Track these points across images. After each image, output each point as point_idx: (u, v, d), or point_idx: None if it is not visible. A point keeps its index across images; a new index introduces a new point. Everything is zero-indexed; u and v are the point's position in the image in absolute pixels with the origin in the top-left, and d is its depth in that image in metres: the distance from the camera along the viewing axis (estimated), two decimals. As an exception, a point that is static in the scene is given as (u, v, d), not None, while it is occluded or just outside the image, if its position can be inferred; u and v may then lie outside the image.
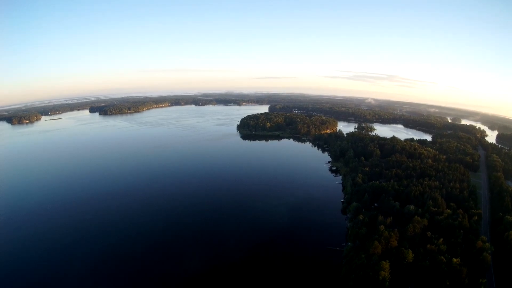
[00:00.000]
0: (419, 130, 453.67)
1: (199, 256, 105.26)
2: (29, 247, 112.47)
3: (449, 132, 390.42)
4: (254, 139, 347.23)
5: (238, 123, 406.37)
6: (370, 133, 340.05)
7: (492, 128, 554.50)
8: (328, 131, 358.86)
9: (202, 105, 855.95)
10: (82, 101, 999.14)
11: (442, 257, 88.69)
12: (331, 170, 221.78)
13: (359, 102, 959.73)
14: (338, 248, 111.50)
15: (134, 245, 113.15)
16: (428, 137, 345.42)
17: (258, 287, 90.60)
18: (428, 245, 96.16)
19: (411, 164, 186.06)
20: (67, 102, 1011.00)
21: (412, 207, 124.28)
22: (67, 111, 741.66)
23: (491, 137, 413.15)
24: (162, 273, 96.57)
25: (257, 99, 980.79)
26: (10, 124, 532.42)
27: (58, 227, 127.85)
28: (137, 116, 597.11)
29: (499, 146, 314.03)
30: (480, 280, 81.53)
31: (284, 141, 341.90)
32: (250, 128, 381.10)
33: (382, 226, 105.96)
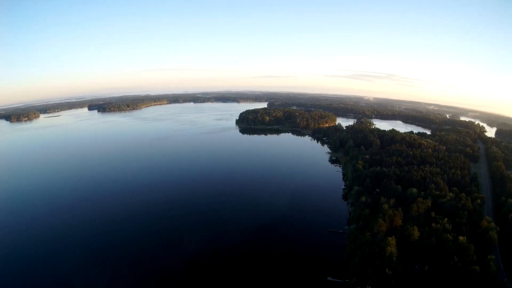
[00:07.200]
0: (418, 125, 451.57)
1: (202, 244, 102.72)
2: (26, 244, 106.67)
3: (448, 127, 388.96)
4: (253, 133, 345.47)
5: (237, 118, 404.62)
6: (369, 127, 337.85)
7: (490, 125, 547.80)
8: (327, 125, 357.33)
9: (200, 102, 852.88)
10: (81, 99, 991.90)
11: (448, 235, 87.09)
12: (331, 161, 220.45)
13: (358, 100, 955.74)
14: (341, 231, 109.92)
15: (135, 234, 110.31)
16: (428, 132, 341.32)
17: (261, 270, 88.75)
18: (433, 224, 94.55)
19: (411, 153, 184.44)
20: (66, 101, 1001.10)
21: (414, 190, 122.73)
22: (65, 109, 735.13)
23: (490, 132, 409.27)
24: (164, 262, 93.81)
25: (256, 97, 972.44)
26: (8, 122, 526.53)
27: (58, 221, 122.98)
28: (136, 113, 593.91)
29: (499, 139, 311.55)
30: (489, 256, 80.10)
31: (283, 134, 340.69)
32: (249, 122, 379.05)
33: (385, 205, 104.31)
